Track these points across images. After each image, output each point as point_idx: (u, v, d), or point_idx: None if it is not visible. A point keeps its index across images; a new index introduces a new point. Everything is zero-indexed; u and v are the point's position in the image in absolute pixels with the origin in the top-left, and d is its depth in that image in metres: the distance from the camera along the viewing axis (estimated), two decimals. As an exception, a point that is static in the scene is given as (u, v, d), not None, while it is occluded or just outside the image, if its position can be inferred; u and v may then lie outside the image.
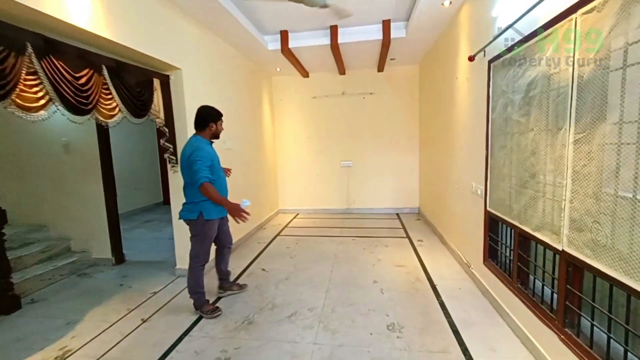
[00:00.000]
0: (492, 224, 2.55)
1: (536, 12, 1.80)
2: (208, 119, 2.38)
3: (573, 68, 1.50)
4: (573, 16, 1.50)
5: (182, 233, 3.15)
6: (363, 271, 3.22)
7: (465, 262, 3.08)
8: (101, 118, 2.24)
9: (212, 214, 2.35)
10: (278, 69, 5.46)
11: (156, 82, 2.80)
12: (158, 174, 7.26)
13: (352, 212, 5.99)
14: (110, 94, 2.30)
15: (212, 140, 2.48)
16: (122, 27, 2.28)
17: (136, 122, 2.54)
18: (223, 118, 2.51)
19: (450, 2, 3.06)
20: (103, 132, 3.44)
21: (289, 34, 4.22)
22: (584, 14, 1.43)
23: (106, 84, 2.27)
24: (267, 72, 5.60)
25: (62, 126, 3.39)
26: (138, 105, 2.53)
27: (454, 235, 3.54)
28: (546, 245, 1.77)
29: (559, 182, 1.63)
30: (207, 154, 2.27)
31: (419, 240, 4.18)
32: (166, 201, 7.32)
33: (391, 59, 5.09)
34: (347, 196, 6.02)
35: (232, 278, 2.98)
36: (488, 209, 2.54)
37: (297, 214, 6.08)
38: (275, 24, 3.99)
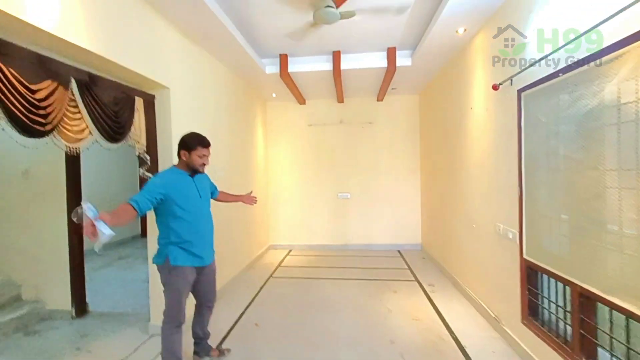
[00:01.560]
0: (531, 275, 2.18)
1: (591, 33, 1.55)
2: (180, 145, 1.98)
3: (664, 96, 1.21)
4: (658, 34, 1.23)
5: (158, 276, 2.62)
6: (374, 326, 2.73)
7: (494, 316, 2.65)
8: (65, 142, 1.80)
9: (178, 260, 1.90)
10: (274, 95, 5.20)
11: (139, 102, 2.41)
12: (137, 202, 6.65)
13: (350, 248, 5.53)
14: (79, 112, 1.88)
15: (193, 172, 2.02)
16: (101, 35, 1.91)
17: (110, 147, 2.10)
18: (210, 147, 2.07)
19: (465, 30, 2.89)
20: (72, 155, 2.96)
21: (289, 58, 3.98)
22: (677, 30, 1.17)
23: (74, 100, 1.85)
24: (262, 97, 5.32)
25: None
26: (113, 127, 2.11)
27: (475, 282, 3.14)
28: (628, 314, 1.39)
29: (647, 235, 1.28)
30: (159, 181, 1.86)
31: (429, 285, 3.74)
32: (144, 233, 6.66)
33: (392, 89, 4.93)
34: (344, 231, 5.58)
35: (221, 334, 2.43)
36: (526, 257, 2.18)
37: (290, 250, 5.56)
38: (274, 47, 3.75)
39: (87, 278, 3.93)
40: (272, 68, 4.06)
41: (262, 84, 4.55)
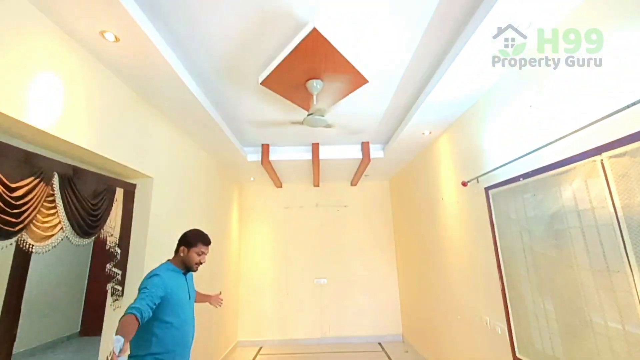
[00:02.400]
0: (528, 376, 2.09)
1: (543, 150, 1.86)
2: (180, 241, 1.91)
3: (615, 208, 1.42)
4: (596, 158, 1.51)
5: None
6: None
7: None
8: (30, 240, 1.63)
9: None
10: (252, 179, 5.30)
11: (119, 193, 2.33)
12: (82, 292, 5.77)
13: (327, 341, 5.04)
14: (54, 208, 1.76)
15: (187, 270, 1.91)
16: (97, 133, 1.94)
17: (79, 243, 1.92)
18: (208, 246, 1.98)
19: (430, 132, 3.33)
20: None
21: (270, 147, 4.22)
22: (611, 157, 1.44)
23: (52, 194, 1.75)
24: (239, 180, 5.40)
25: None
26: (89, 221, 1.97)
27: (466, 381, 2.92)
28: None
29: (633, 332, 1.34)
30: (160, 282, 1.67)
31: (418, 386, 3.41)
32: (85, 332, 5.64)
33: (365, 175, 5.28)
34: (321, 321, 5.16)
35: None
36: (519, 356, 2.12)
37: (261, 348, 4.94)
38: (257, 137, 3.98)
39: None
40: (253, 156, 4.24)
41: (242, 169, 4.67)
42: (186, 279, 1.91)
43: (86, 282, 5.83)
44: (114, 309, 2.29)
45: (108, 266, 2.23)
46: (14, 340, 2.56)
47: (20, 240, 1.57)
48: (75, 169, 1.93)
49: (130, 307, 1.50)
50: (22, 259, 2.63)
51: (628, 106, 1.31)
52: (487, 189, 2.45)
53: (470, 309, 2.82)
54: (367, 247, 5.50)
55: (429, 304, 3.88)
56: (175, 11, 1.80)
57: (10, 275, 2.59)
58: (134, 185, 2.52)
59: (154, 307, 1.59)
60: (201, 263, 1.92)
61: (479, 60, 2.02)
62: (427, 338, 4.02)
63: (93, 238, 2.02)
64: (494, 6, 1.59)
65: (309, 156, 4.22)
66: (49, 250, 1.72)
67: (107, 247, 2.24)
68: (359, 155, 4.24)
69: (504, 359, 2.27)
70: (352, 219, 5.63)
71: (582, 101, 1.62)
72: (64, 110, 1.71)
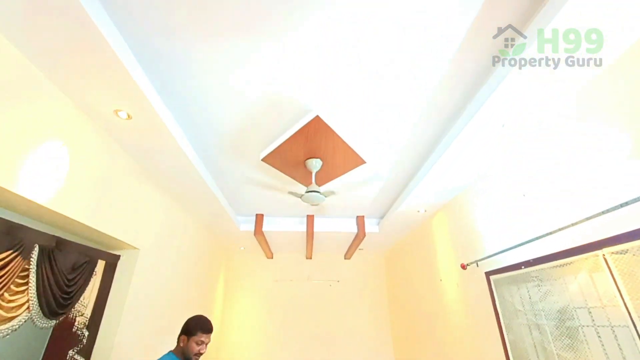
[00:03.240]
0: None
1: (542, 240, 1.85)
2: (182, 329, 1.75)
3: (627, 309, 1.35)
4: (598, 252, 1.50)
5: None
6: None
7: None
8: (-12, 323, 1.44)
9: None
10: (242, 248, 5.11)
11: (100, 265, 2.17)
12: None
13: None
14: (26, 284, 1.61)
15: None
16: (92, 206, 1.89)
17: (44, 325, 1.71)
18: (211, 334, 1.80)
19: (425, 210, 3.36)
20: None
21: (264, 217, 4.16)
22: (613, 253, 1.43)
23: (27, 270, 1.61)
24: (228, 249, 5.18)
25: None
26: (61, 299, 1.79)
27: None
28: None
29: None
30: None
31: None
32: None
33: (359, 249, 5.14)
34: (308, 421, 4.43)
35: None
36: None
37: None
38: (251, 207, 3.95)
39: None
40: (246, 226, 4.15)
41: (234, 238, 4.53)
42: None
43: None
44: (67, 409, 1.93)
45: (70, 352, 1.95)
46: None
47: (-23, 323, 1.39)
48: (59, 241, 1.82)
49: None
50: None
51: (627, 203, 1.35)
52: (487, 274, 2.37)
53: (480, 415, 2.46)
54: (361, 326, 5.05)
55: (432, 403, 3.40)
56: (187, 92, 1.91)
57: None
58: (118, 257, 2.37)
59: None
60: (201, 353, 1.71)
61: (471, 148, 2.14)
62: None
63: (60, 319, 1.80)
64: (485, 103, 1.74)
65: (303, 228, 4.15)
66: (7, 335, 1.51)
67: (74, 329, 1.99)
68: (354, 229, 4.19)
69: None
70: (345, 295, 5.29)
71: (576, 194, 1.67)
72: (65, 182, 1.69)
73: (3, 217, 1.53)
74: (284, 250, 5.32)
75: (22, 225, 1.61)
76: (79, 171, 1.80)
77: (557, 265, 1.74)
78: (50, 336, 2.00)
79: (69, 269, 1.88)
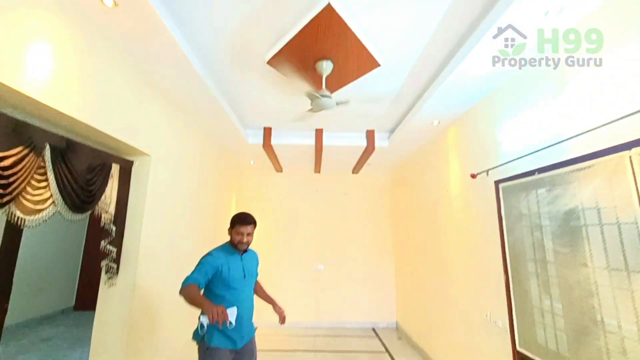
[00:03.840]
0: (528, 371, 2.08)
1: (564, 144, 1.78)
2: (230, 224, 2.09)
3: (641, 206, 1.35)
4: (625, 153, 1.43)
5: None
6: None
7: (489, 418, 2.43)
8: (19, 213, 1.53)
9: (214, 341, 1.82)
10: (252, 162, 5.19)
11: (115, 169, 2.22)
12: (77, 268, 5.75)
13: (321, 326, 5.07)
14: (45, 180, 1.66)
15: (242, 250, 2.07)
16: (91, 105, 1.82)
17: (73, 218, 1.83)
18: (252, 226, 2.10)
19: (439, 122, 3.22)
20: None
21: (273, 131, 4.09)
22: (642, 152, 1.36)
23: (43, 167, 1.64)
24: (239, 164, 5.28)
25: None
26: (83, 197, 1.87)
27: (460, 373, 2.92)
28: None
29: (651, 342, 1.29)
30: (212, 260, 1.91)
31: (412, 375, 3.44)
32: (80, 306, 5.64)
33: (367, 164, 5.18)
34: (317, 307, 5.18)
35: None
36: (519, 349, 2.10)
37: (256, 328, 4.94)
38: (259, 120, 3.85)
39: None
40: (255, 139, 4.12)
41: (242, 152, 4.55)
42: (242, 259, 2.06)
43: (81, 257, 5.80)
44: (108, 287, 2.22)
45: (102, 243, 2.15)
46: (5, 314, 2.50)
47: (9, 213, 1.48)
48: (69, 142, 1.81)
49: (188, 278, 1.75)
50: (12, 233, 2.54)
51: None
52: (497, 182, 2.38)
53: (469, 301, 2.79)
54: (365, 236, 5.47)
55: (426, 294, 3.87)
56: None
57: (0, 249, 2.51)
58: (131, 162, 2.41)
59: (207, 281, 1.83)
60: (243, 242, 2.02)
61: (500, 43, 1.90)
62: (421, 327, 4.03)
63: (87, 214, 1.93)
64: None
65: (312, 142, 4.11)
66: (39, 224, 1.63)
67: (102, 224, 2.15)
68: (364, 143, 4.13)
69: (502, 351, 2.26)
70: (352, 207, 5.57)
71: (610, 95, 1.52)
72: (55, 77, 1.58)
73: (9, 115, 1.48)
74: (293, 165, 5.40)
75: (29, 123, 1.58)
76: (70, 68, 1.67)
77: (575, 170, 1.69)
78: (88, 228, 2.17)
79: (85, 170, 1.92)
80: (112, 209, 2.19)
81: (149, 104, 2.48)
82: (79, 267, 5.80)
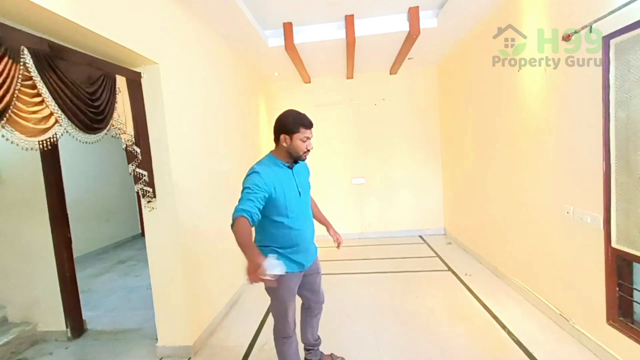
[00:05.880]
0: (624, 267, 1.77)
1: None
2: (278, 129, 1.58)
3: None
4: None
5: (162, 284, 2.23)
6: (419, 333, 2.34)
7: (560, 313, 2.27)
8: (20, 134, 1.33)
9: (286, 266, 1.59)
10: (276, 74, 4.66)
11: (121, 81, 1.92)
12: (135, 199, 6.20)
13: (368, 236, 5.14)
14: (39, 94, 1.40)
15: (295, 161, 1.64)
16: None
17: (87, 139, 1.63)
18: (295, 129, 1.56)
19: (514, -27, 2.37)
20: (49, 151, 2.50)
21: (294, 27, 3.44)
22: None
23: (30, 78, 1.37)
24: (264, 77, 4.78)
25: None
26: (90, 113, 1.63)
27: (529, 274, 2.74)
28: None
29: None
30: (260, 180, 1.46)
31: (466, 274, 3.37)
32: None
33: (409, 58, 4.40)
34: (361, 218, 5.17)
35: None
36: (615, 246, 1.76)
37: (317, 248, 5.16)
38: (277, 14, 3.21)
39: (85, 288, 3.59)
40: (275, 40, 3.52)
41: (264, 61, 4.01)
42: (293, 173, 1.64)
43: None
44: (149, 211, 2.17)
45: (130, 167, 2.00)
46: (71, 242, 2.66)
47: (6, 131, 1.28)
48: (53, 46, 1.49)
49: (238, 210, 1.37)
50: (52, 170, 2.53)
51: None
52: (607, 38, 1.71)
53: (544, 198, 2.41)
54: (408, 142, 5.02)
55: (482, 196, 3.54)
56: None
57: (45, 184, 2.53)
58: (139, 74, 2.08)
59: (261, 206, 1.44)
60: (309, 150, 1.60)
61: None
62: (474, 231, 3.84)
63: (101, 134, 1.71)
64: None
65: (341, 34, 3.42)
66: (48, 146, 1.44)
67: (124, 146, 1.97)
68: (405, 27, 3.35)
69: (591, 250, 1.94)
70: (392, 113, 5.01)
71: None
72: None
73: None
74: (323, 72, 4.79)
75: (-11, 19, 1.25)
76: None
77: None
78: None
79: (84, 82, 1.63)
80: (129, 129, 1.96)
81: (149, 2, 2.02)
82: (136, 197, 6.26)
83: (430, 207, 5.05)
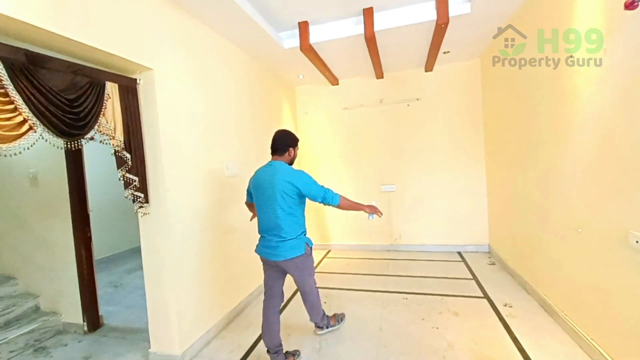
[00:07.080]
0: None
1: None
2: (288, 143, 2.10)
3: None
4: None
5: (155, 290, 2.21)
6: (427, 373, 1.96)
7: (622, 374, 1.70)
8: (-7, 142, 1.38)
9: (311, 242, 2.14)
10: (301, 76, 4.55)
11: (112, 87, 1.94)
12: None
13: (398, 249, 4.71)
14: (11, 103, 1.44)
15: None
16: (55, 6, 1.46)
17: (61, 145, 1.66)
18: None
19: None
20: (73, 154, 2.70)
21: (310, 26, 3.28)
22: None
23: (3, 88, 1.41)
24: (287, 80, 4.71)
25: (31, 152, 2.70)
26: (68, 119, 1.66)
27: (581, 312, 2.15)
28: None
29: None
30: None
31: (505, 305, 2.80)
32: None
33: (444, 52, 3.92)
34: (391, 229, 4.76)
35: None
36: None
37: (329, 251, 4.94)
38: (291, 14, 3.07)
39: (117, 283, 3.86)
40: (291, 42, 3.40)
41: (283, 63, 3.92)
42: None
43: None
44: (141, 216, 2.17)
45: (119, 172, 2.02)
46: (90, 242, 2.83)
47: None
48: (30, 54, 1.53)
49: (331, 193, 2.01)
50: (73, 165, 2.73)
51: None
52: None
53: (604, 220, 1.85)
54: (446, 146, 4.48)
55: (535, 213, 2.93)
56: None
57: (69, 187, 2.73)
58: (134, 80, 2.11)
59: None
60: None
61: None
62: (522, 251, 3.20)
63: (79, 139, 1.73)
64: None
65: (360, 29, 3.16)
66: (20, 152, 1.48)
67: (114, 151, 1.99)
68: (432, 16, 2.96)
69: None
70: (427, 114, 4.53)
71: None
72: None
73: None
74: (350, 73, 4.54)
75: (-41, 31, 1.31)
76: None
77: None
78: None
79: (66, 90, 1.67)
80: (118, 134, 1.97)
81: (143, 5, 2.04)
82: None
83: (472, 219, 4.43)
